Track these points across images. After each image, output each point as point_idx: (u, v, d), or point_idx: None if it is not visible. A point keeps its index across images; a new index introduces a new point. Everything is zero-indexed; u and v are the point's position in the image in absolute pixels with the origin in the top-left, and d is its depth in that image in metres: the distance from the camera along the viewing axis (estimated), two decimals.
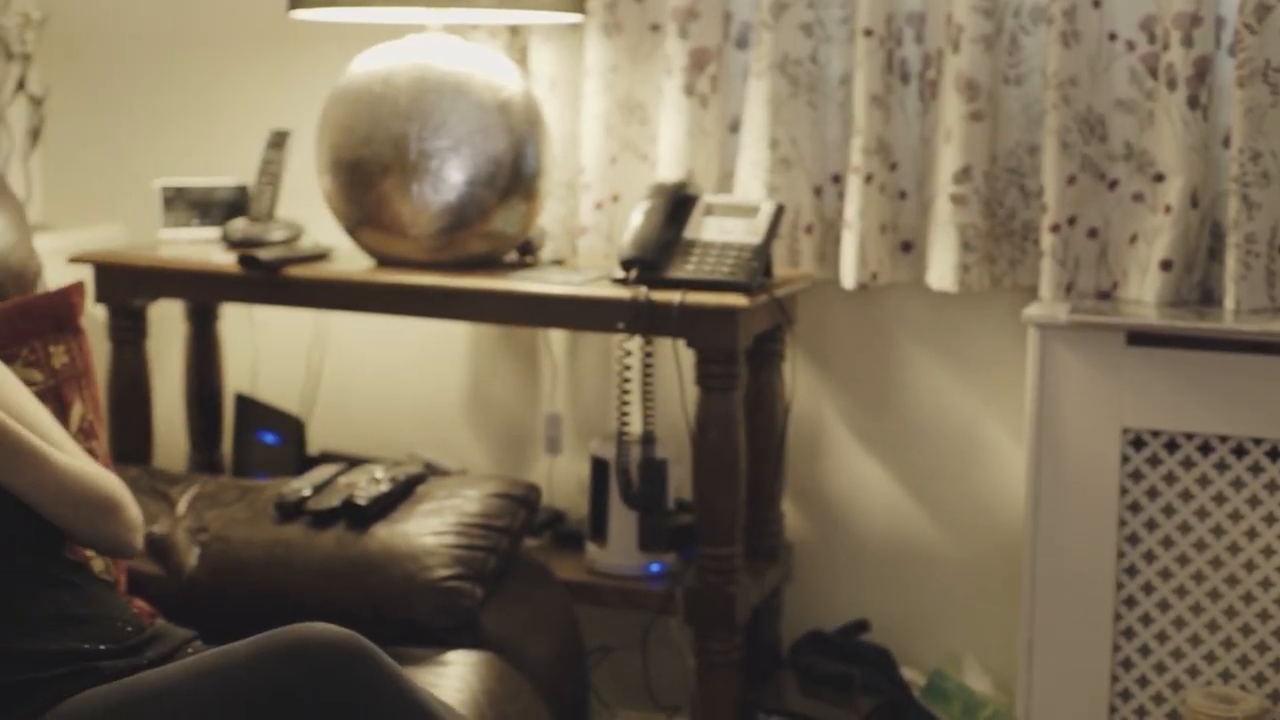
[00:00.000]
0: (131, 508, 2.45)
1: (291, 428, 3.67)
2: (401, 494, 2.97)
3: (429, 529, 2.88)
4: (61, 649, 2.29)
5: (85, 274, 3.33)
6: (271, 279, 3.28)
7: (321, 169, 3.30)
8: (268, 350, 3.87)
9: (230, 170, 3.78)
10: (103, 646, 2.32)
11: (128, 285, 3.42)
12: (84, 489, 2.37)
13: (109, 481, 2.43)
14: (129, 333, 3.46)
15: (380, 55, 3.27)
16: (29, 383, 2.70)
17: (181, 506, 3.08)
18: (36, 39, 3.92)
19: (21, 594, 2.32)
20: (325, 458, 3.43)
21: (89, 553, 2.72)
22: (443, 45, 3.26)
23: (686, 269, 3.08)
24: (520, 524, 2.98)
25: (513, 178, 3.21)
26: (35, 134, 3.97)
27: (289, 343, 3.85)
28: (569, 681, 3.01)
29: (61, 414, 2.76)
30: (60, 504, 2.34)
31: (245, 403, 3.76)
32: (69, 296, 2.85)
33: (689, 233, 3.14)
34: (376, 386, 3.85)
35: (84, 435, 2.80)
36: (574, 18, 3.31)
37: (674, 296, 3.01)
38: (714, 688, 3.16)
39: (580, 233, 3.50)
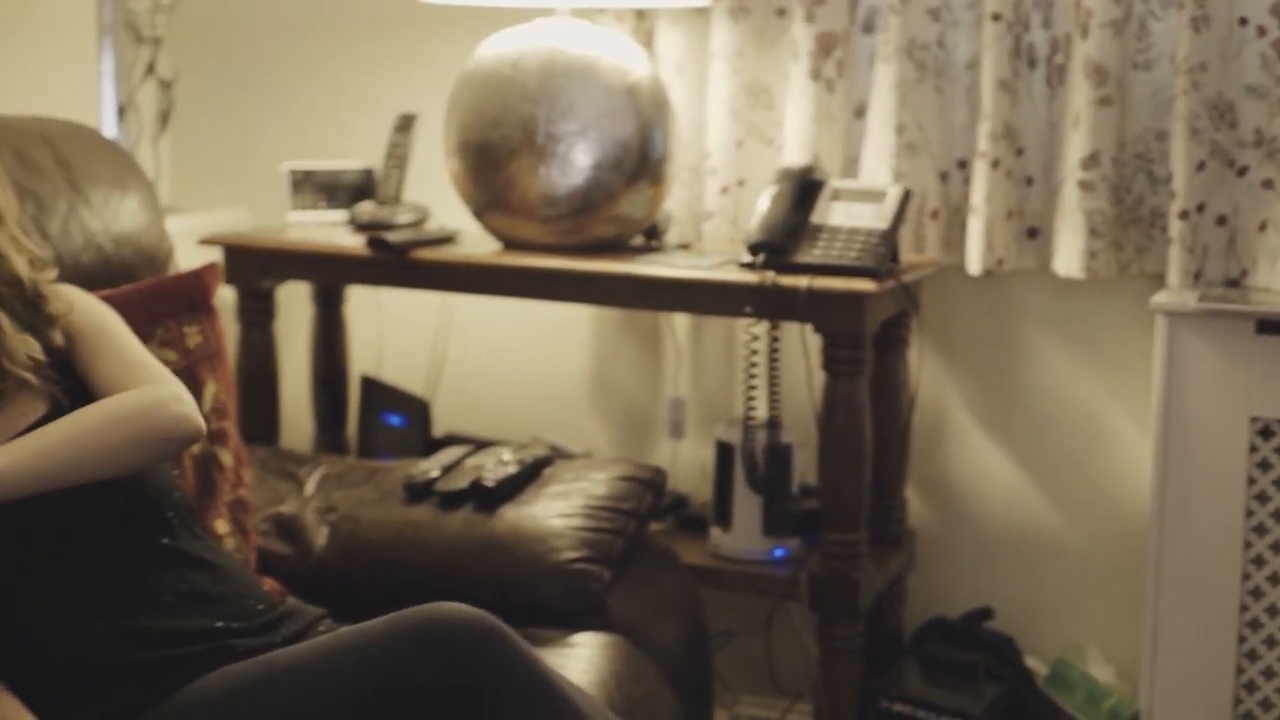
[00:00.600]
0: (166, 405, 2.31)
1: (417, 410, 3.69)
2: (529, 476, 2.98)
3: (556, 511, 2.89)
4: (195, 627, 2.31)
5: (214, 256, 3.36)
6: (400, 261, 3.31)
7: (449, 152, 3.31)
8: (393, 332, 3.89)
9: (356, 153, 3.80)
10: (235, 625, 2.34)
11: (257, 267, 3.45)
12: (113, 431, 2.26)
13: (133, 399, 2.31)
14: (257, 314, 3.50)
15: (509, 39, 3.28)
16: (164, 363, 2.72)
17: (309, 487, 3.11)
18: (166, 23, 3.96)
19: (155, 573, 2.34)
20: (450, 440, 3.45)
21: (220, 531, 2.75)
22: (571, 29, 3.27)
23: (814, 254, 3.07)
24: (647, 507, 2.99)
25: (640, 162, 3.22)
26: (164, 117, 4.01)
27: (414, 325, 3.87)
28: (693, 665, 3.01)
29: (195, 394, 2.78)
30: (113, 460, 2.26)
31: (370, 385, 3.79)
32: (203, 277, 2.88)
33: (816, 218, 3.14)
34: (500, 369, 3.87)
35: (216, 415, 2.83)
36: (701, 2, 3.32)
37: (801, 281, 3.01)
38: (836, 674, 3.16)
39: (705, 217, 3.50)
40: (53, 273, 2.46)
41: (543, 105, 3.18)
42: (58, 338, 2.40)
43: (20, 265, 2.35)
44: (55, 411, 2.36)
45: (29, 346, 2.34)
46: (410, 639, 2.12)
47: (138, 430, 2.27)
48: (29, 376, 2.33)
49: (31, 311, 2.37)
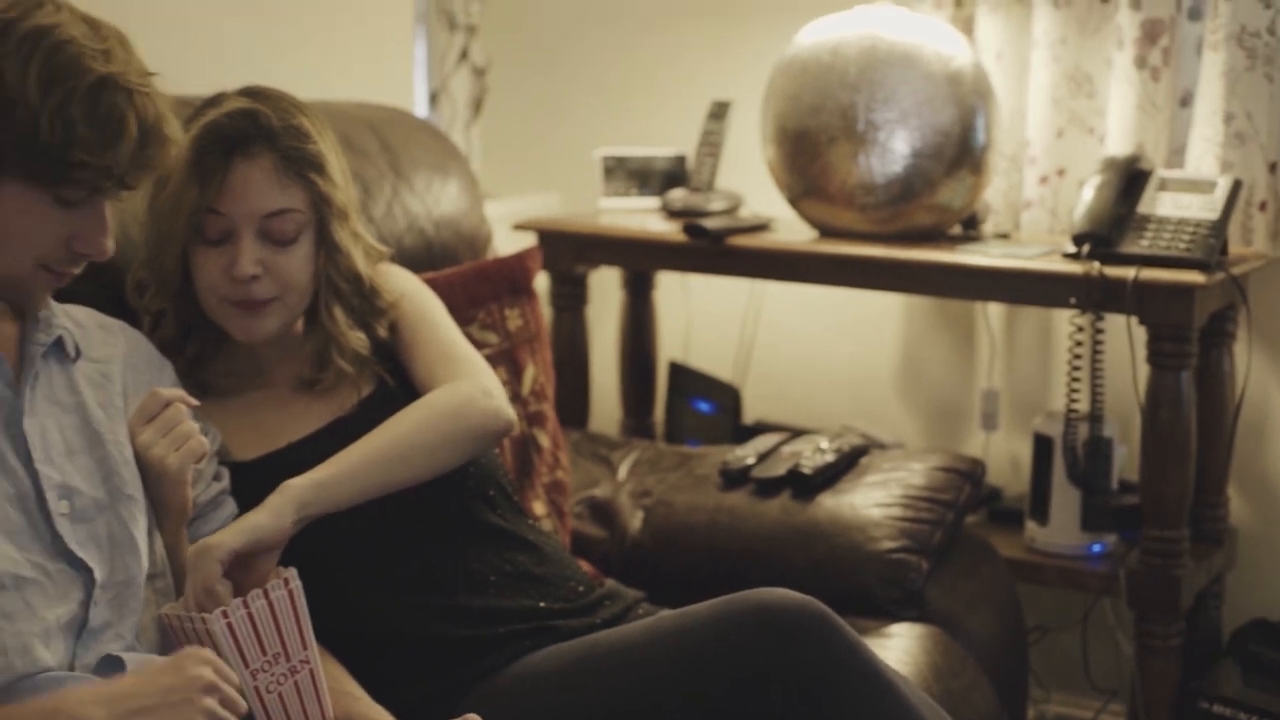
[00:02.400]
0: (476, 402, 2.34)
1: (726, 396, 3.69)
2: (846, 465, 2.97)
3: (875, 500, 2.87)
4: (519, 607, 2.35)
5: (528, 241, 3.39)
6: (715, 248, 3.30)
7: (766, 139, 3.31)
8: (701, 319, 3.90)
9: (666, 140, 3.81)
10: (558, 605, 2.37)
11: (571, 252, 3.48)
12: (428, 434, 2.29)
13: (445, 398, 2.34)
14: (570, 299, 3.53)
15: (829, 25, 3.26)
16: (484, 345, 2.77)
17: (622, 471, 3.12)
18: (481, 11, 4.01)
19: (479, 553, 2.38)
20: (761, 427, 3.44)
21: (538, 513, 2.78)
22: (891, 16, 3.24)
23: (1140, 245, 3.01)
24: (965, 499, 2.96)
25: (960, 150, 3.18)
26: (477, 104, 4.06)
27: (722, 312, 3.87)
28: (1009, 660, 2.97)
29: (514, 377, 2.82)
30: (430, 463, 2.30)
31: (679, 370, 3.79)
32: (524, 261, 2.91)
33: (1142, 208, 3.07)
34: (809, 357, 3.85)
35: (535, 398, 2.86)
36: None
37: (1128, 272, 2.95)
38: (1153, 673, 3.09)
39: (1024, 207, 3.45)
40: (387, 263, 2.50)
41: (863, 92, 3.15)
42: (383, 329, 2.44)
43: (359, 260, 2.39)
44: (381, 390, 2.41)
45: (358, 342, 2.38)
46: (740, 623, 2.13)
47: (452, 431, 2.31)
48: (351, 370, 2.38)
49: (365, 305, 2.41)
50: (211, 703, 1.75)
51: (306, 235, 2.32)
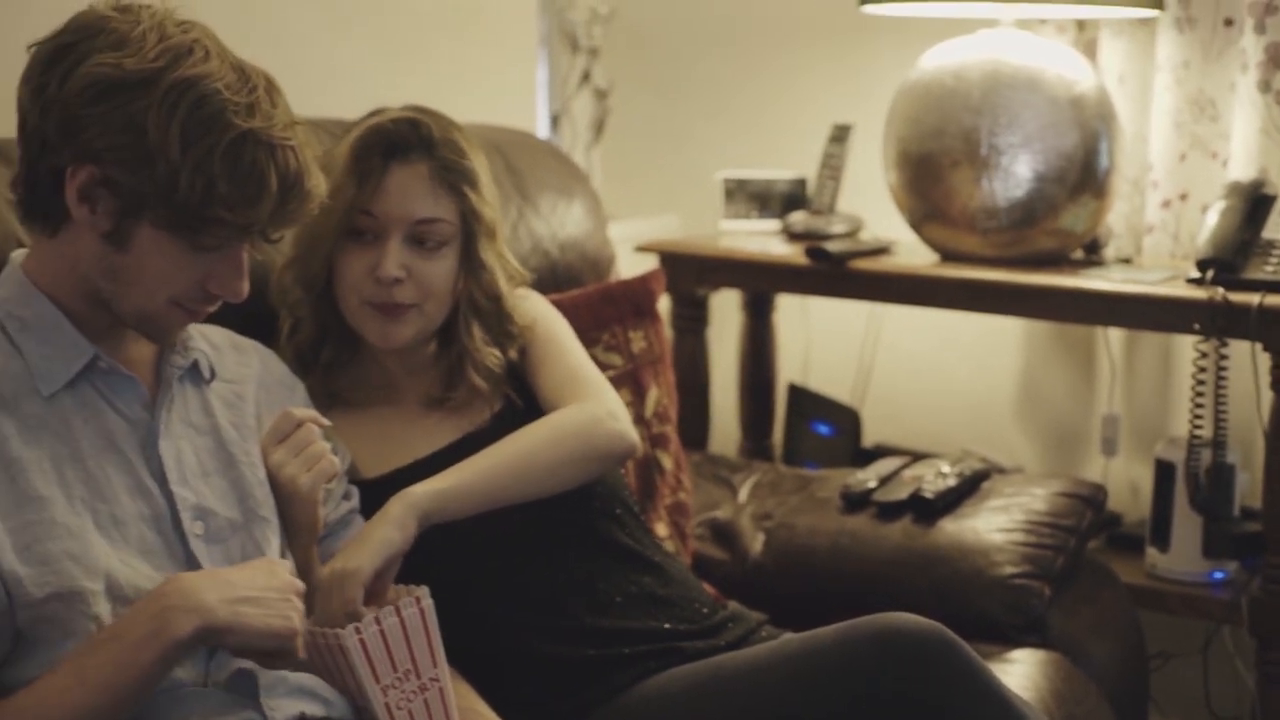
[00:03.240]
0: (601, 423, 2.38)
1: (846, 419, 3.69)
2: (968, 489, 2.96)
3: (997, 525, 2.87)
4: (644, 628, 2.36)
5: (651, 263, 3.41)
6: (837, 271, 3.31)
7: (887, 162, 3.31)
8: (820, 341, 3.90)
9: (785, 163, 3.81)
10: (683, 627, 2.38)
11: (693, 274, 3.50)
12: (552, 450, 2.33)
13: (570, 418, 2.38)
14: (691, 321, 3.55)
15: (952, 49, 3.27)
16: (608, 367, 2.78)
17: (743, 494, 3.13)
18: (604, 33, 4.03)
19: (605, 573, 2.39)
20: (881, 451, 3.45)
21: (660, 534, 2.79)
22: (1014, 40, 3.24)
23: (1265, 270, 2.99)
24: (1087, 525, 2.95)
25: (1083, 174, 3.17)
26: (599, 126, 4.08)
27: (841, 335, 3.87)
28: (1130, 686, 2.96)
29: (638, 398, 2.84)
30: (552, 480, 2.33)
31: (798, 393, 3.80)
32: (649, 283, 2.93)
33: (1266, 233, 3.06)
34: (927, 381, 3.85)
35: (658, 420, 2.88)
36: (1148, 13, 3.25)
37: (1253, 299, 2.93)
38: (1274, 701, 3.06)
39: (1145, 231, 3.44)
40: (525, 289, 2.53)
41: (986, 116, 3.16)
42: (514, 352, 2.46)
43: (502, 280, 2.42)
44: (509, 409, 2.43)
45: (493, 359, 2.41)
46: (866, 647, 2.13)
47: (575, 449, 2.34)
48: (484, 386, 2.40)
49: (500, 326, 2.44)
50: (300, 605, 1.88)
51: (452, 248, 2.36)
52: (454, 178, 2.36)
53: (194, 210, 1.86)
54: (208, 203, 1.86)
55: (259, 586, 1.85)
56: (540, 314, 2.52)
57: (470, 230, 2.37)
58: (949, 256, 3.30)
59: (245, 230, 1.91)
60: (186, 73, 1.85)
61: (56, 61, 1.86)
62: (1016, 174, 3.15)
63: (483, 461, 2.27)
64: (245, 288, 1.97)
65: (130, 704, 1.81)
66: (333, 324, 2.40)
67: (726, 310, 3.81)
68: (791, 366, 3.89)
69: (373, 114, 2.43)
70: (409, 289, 2.33)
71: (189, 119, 1.84)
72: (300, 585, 1.91)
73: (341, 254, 2.34)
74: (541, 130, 4.00)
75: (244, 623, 1.82)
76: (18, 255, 2.00)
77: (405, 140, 2.35)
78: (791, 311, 3.86)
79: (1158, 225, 3.42)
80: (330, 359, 2.42)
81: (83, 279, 1.92)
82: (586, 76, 4.05)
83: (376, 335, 2.37)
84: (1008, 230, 3.19)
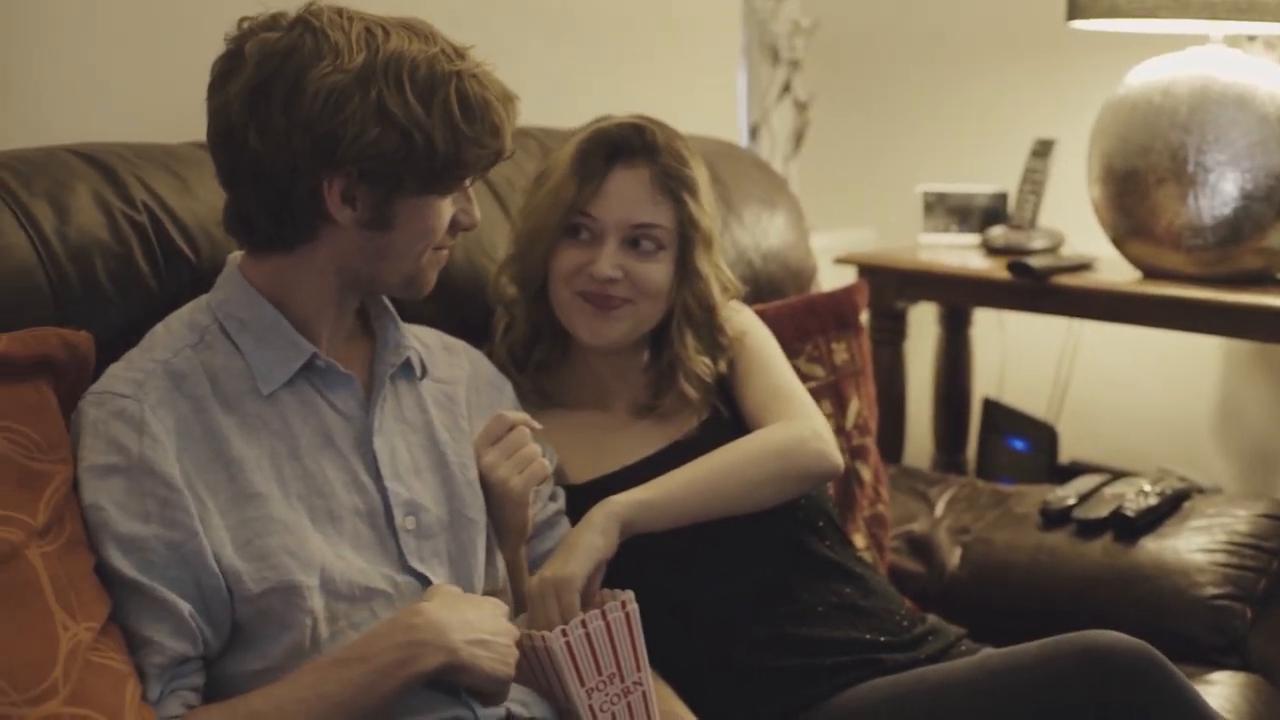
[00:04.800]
0: (806, 443, 2.36)
1: (1042, 435, 3.68)
2: (1169, 508, 2.94)
3: (1198, 545, 2.84)
4: (844, 637, 2.35)
5: (849, 275, 3.42)
6: (1038, 287, 3.30)
7: (1092, 178, 3.30)
8: (1016, 357, 3.89)
9: (985, 177, 3.81)
10: (883, 638, 2.37)
11: (892, 287, 3.50)
12: (754, 468, 2.32)
13: (774, 436, 2.37)
14: (889, 334, 3.55)
15: (1160, 66, 3.25)
16: (810, 378, 2.79)
17: (940, 507, 3.13)
18: (805, 46, 4.04)
19: (807, 583, 2.39)
20: (1078, 468, 3.43)
21: (858, 545, 2.79)
22: (1224, 57, 3.21)
23: None
24: None
25: None
26: (798, 137, 4.10)
27: (1038, 350, 3.86)
28: None
29: (839, 410, 2.84)
30: (753, 496, 2.33)
31: (993, 407, 3.79)
32: (852, 295, 2.93)
33: None
34: (1124, 398, 3.83)
35: (858, 431, 2.88)
36: None
37: None
38: None
39: None
40: (737, 301, 2.54)
41: (1193, 133, 3.13)
42: (723, 364, 2.47)
43: (715, 290, 2.43)
44: (715, 419, 2.44)
45: (703, 368, 2.42)
46: (1072, 664, 2.12)
47: (778, 468, 2.33)
48: (693, 394, 2.42)
49: (710, 336, 2.45)
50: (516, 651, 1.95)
51: (667, 254, 2.37)
52: (674, 184, 2.37)
53: (452, 161, 1.93)
54: (461, 148, 1.93)
55: (489, 630, 1.91)
56: (750, 328, 2.53)
57: (687, 238, 2.39)
58: (1151, 273, 3.28)
59: (498, 155, 1.99)
60: (387, 49, 1.91)
61: (266, 95, 1.89)
62: (1223, 192, 3.13)
63: (685, 475, 2.28)
64: (478, 212, 2.05)
65: None
66: (546, 324, 2.42)
67: (923, 323, 3.81)
68: (987, 381, 3.88)
69: (598, 120, 2.45)
70: (624, 286, 2.35)
71: (417, 86, 1.91)
72: (516, 632, 1.96)
73: (557, 252, 2.37)
74: (740, 141, 4.02)
75: (478, 665, 1.88)
76: (235, 257, 2.05)
77: (629, 144, 2.37)
78: (988, 325, 3.86)
79: None
80: (542, 359, 2.44)
81: (340, 273, 1.98)
82: (787, 88, 4.07)
83: (586, 331, 2.38)
84: (1213, 248, 3.17)
